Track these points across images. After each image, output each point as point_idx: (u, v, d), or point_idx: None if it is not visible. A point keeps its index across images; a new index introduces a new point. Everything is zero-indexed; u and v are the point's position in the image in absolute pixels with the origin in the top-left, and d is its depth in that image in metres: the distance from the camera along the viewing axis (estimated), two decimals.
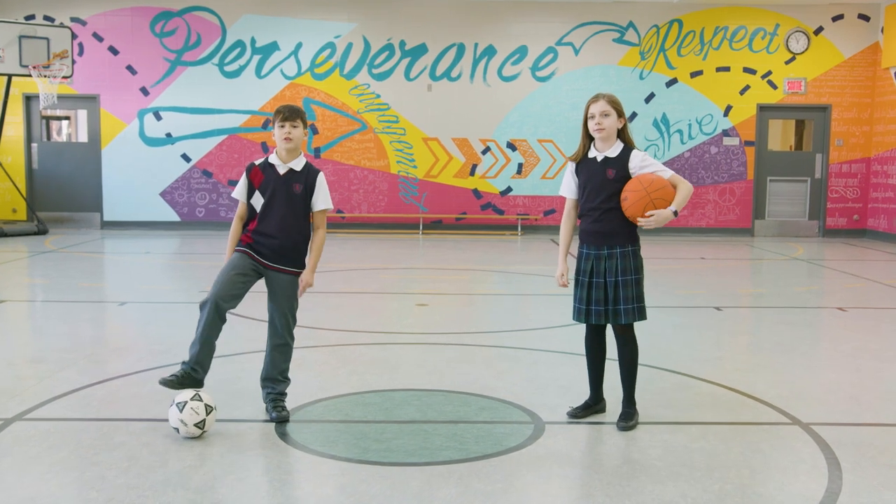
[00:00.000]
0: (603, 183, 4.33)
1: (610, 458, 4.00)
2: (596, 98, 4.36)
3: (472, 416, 4.54)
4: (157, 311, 7.60)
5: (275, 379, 4.52)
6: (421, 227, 15.13)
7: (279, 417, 4.38)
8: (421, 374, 5.39)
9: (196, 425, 4.07)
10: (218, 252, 12.03)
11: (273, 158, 4.51)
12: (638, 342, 4.44)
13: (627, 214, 4.28)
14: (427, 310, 7.76)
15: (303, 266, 4.51)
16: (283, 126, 4.42)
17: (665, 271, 10.39)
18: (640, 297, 4.34)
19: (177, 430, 4.09)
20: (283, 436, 4.17)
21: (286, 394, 4.56)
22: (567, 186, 4.54)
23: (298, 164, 4.49)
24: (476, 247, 13.20)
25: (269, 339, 4.54)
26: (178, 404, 4.08)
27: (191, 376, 4.21)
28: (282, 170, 4.47)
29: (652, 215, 4.17)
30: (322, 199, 4.51)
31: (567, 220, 4.59)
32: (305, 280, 4.48)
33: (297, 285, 4.50)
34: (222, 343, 5.97)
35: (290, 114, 4.44)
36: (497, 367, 5.58)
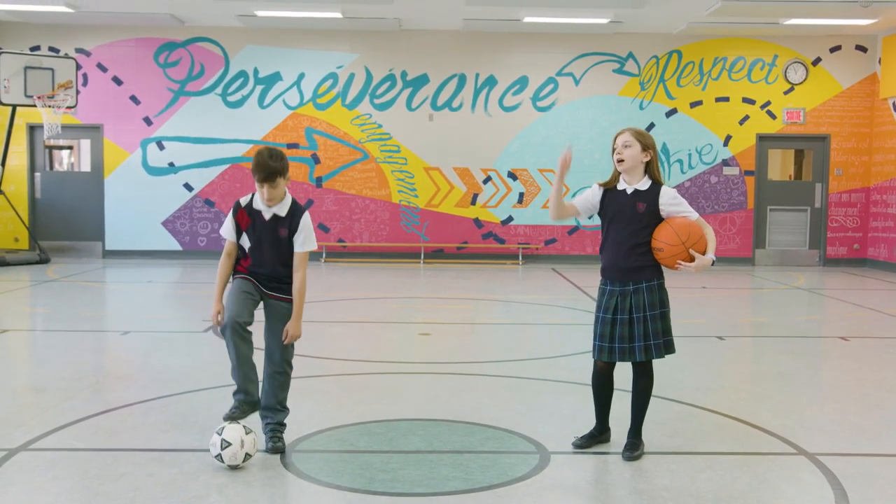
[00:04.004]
0: (632, 216, 4.30)
1: (616, 488, 3.99)
2: (622, 130, 4.38)
3: (478, 445, 4.53)
4: (160, 340, 7.60)
5: (273, 408, 4.47)
6: (422, 257, 15.16)
7: (274, 448, 4.34)
8: (425, 403, 5.39)
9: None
10: None
11: (258, 203, 4.44)
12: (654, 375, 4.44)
13: (661, 263, 4.29)
14: (429, 339, 7.76)
15: None
16: (262, 187, 4.33)
17: None
18: (667, 331, 4.32)
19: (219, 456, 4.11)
20: (288, 466, 4.16)
21: (285, 424, 4.52)
22: (583, 199, 4.44)
23: (283, 209, 4.42)
24: (477, 276, 13.21)
25: (266, 367, 4.48)
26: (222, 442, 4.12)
27: (245, 401, 4.34)
28: (267, 215, 4.41)
29: (686, 266, 4.17)
30: (303, 241, 4.42)
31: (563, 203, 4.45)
32: (291, 332, 4.38)
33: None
34: (225, 374, 5.95)
35: (268, 176, 4.28)
36: (501, 397, 5.58)
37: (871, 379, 6.29)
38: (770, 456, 4.44)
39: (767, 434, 4.80)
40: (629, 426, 4.43)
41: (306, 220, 4.45)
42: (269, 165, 4.28)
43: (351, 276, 12.97)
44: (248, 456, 4.11)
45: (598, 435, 4.53)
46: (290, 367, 4.50)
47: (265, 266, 4.40)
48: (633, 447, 4.35)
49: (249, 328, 4.33)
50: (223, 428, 4.14)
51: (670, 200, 4.29)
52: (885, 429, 4.98)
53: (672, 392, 5.66)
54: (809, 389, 6.00)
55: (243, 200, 4.49)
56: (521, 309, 10.00)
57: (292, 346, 4.48)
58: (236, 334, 4.25)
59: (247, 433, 4.13)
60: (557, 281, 12.63)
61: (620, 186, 4.38)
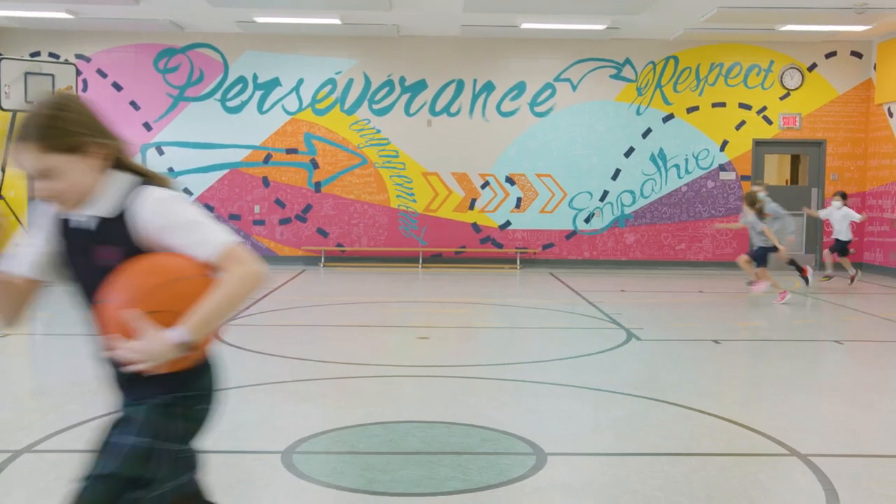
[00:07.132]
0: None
1: (611, 488, 4.05)
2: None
3: (476, 447, 4.60)
4: None
5: None
6: (420, 261, 15.22)
7: None
8: (424, 406, 5.45)
9: None
10: None
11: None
12: None
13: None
14: (428, 343, 7.82)
15: None
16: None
17: (663, 304, 10.47)
18: None
19: None
20: (289, 467, 4.22)
21: None
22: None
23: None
24: (475, 280, 13.28)
25: None
26: None
27: None
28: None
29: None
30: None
31: None
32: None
33: None
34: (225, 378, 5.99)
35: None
36: (498, 400, 5.64)
37: (864, 382, 6.36)
38: (763, 457, 4.51)
39: (761, 435, 4.87)
40: None
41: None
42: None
43: (349, 281, 13.03)
44: None
45: None
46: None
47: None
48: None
49: None
50: None
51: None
52: (877, 431, 5.05)
53: (667, 395, 5.72)
54: (803, 392, 6.07)
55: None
56: (518, 313, 10.07)
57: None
58: None
59: None
60: (555, 285, 12.69)
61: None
